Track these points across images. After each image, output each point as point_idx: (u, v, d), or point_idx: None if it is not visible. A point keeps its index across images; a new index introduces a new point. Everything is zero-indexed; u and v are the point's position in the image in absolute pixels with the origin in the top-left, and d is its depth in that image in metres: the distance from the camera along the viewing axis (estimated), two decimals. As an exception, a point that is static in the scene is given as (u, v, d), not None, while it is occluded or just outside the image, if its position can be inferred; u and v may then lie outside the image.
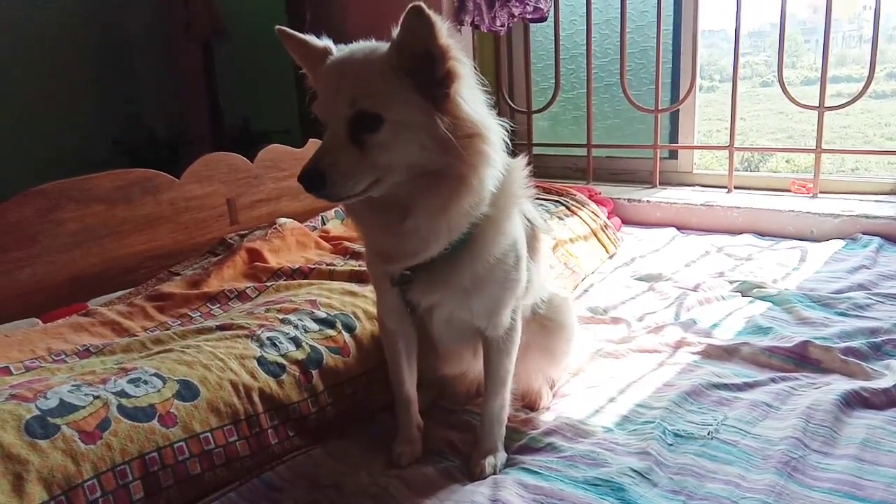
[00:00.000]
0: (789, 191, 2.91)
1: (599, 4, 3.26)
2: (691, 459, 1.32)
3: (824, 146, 2.70)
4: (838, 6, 2.57)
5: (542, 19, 3.10)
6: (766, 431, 1.38)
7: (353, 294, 1.77)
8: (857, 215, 2.49)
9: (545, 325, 1.53)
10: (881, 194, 2.69)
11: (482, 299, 1.29)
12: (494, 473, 1.35)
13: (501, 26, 3.15)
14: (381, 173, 1.10)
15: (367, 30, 3.53)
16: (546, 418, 1.52)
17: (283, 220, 2.22)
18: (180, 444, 1.25)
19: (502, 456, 1.40)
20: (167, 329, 1.66)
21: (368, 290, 1.79)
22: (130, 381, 1.30)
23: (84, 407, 1.21)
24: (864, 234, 2.44)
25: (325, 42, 1.18)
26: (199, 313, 1.76)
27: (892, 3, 3.15)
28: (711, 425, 1.42)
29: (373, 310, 1.71)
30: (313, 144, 2.68)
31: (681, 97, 3.08)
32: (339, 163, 1.07)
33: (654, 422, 1.43)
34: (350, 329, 1.64)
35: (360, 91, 1.07)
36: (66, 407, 1.20)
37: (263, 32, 3.98)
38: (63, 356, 1.52)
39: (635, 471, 1.28)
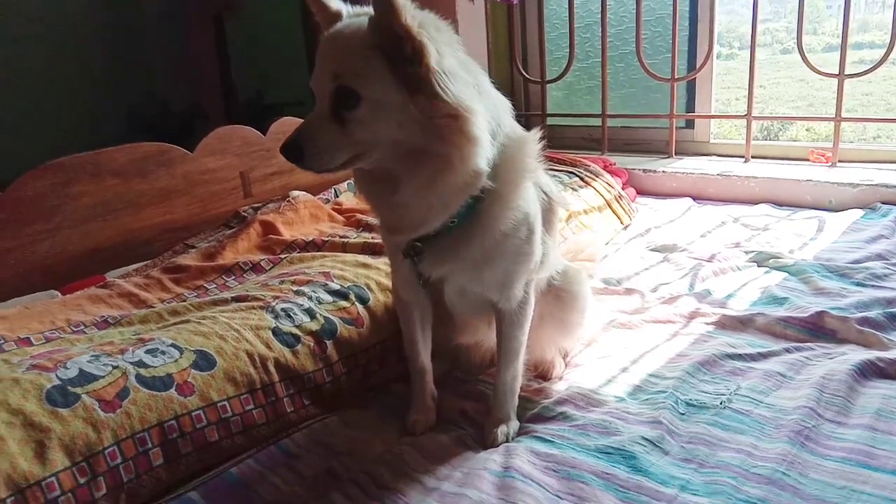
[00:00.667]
0: (808, 160, 2.86)
1: (615, -29, 3.20)
2: (703, 429, 1.32)
3: (845, 114, 2.65)
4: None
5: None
6: (780, 401, 1.38)
7: (366, 266, 1.77)
8: (876, 184, 2.45)
9: (560, 296, 1.53)
10: (903, 163, 2.65)
11: (493, 272, 1.29)
12: (507, 442, 1.37)
13: (515, -6, 3.10)
14: (361, 149, 1.12)
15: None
16: (559, 388, 1.53)
17: (296, 192, 2.22)
18: (198, 412, 1.27)
19: (515, 425, 1.41)
20: (183, 301, 1.69)
21: (382, 262, 1.80)
22: (148, 352, 1.32)
23: (103, 377, 1.23)
24: (883, 203, 2.41)
25: (338, 6, 1.18)
26: (214, 285, 1.78)
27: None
28: (724, 395, 1.42)
29: (386, 281, 1.72)
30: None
31: (698, 65, 3.02)
32: (317, 137, 1.10)
33: (666, 391, 1.44)
34: (363, 300, 1.65)
35: (340, 67, 1.09)
36: (85, 377, 1.22)
37: (274, 4, 3.94)
38: (82, 327, 1.54)
39: (647, 439, 1.29)
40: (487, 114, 1.14)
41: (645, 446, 1.27)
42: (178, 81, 4.40)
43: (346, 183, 2.49)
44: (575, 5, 3.16)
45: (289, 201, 2.14)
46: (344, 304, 1.62)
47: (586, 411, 1.42)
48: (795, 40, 2.69)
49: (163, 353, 1.33)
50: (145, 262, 1.97)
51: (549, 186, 1.39)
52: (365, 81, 1.08)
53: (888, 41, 2.49)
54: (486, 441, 1.38)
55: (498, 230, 1.24)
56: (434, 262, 1.28)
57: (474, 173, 1.14)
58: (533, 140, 1.25)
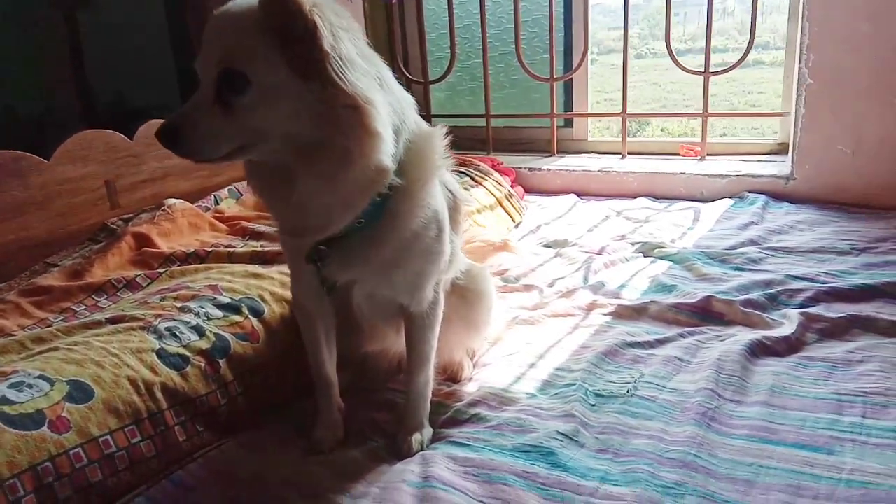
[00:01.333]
0: (678, 154, 3.03)
1: (491, -28, 3.24)
2: (614, 418, 1.34)
3: (697, 111, 2.83)
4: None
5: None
6: (682, 385, 1.42)
7: (257, 276, 1.66)
8: (742, 174, 2.62)
9: (465, 295, 1.50)
10: (763, 154, 2.85)
11: (404, 274, 1.24)
12: (422, 450, 1.32)
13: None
14: (249, 138, 1.04)
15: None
16: (469, 389, 1.50)
17: (171, 200, 2.05)
18: (76, 450, 1.12)
19: (428, 432, 1.36)
20: (48, 326, 1.50)
21: (275, 271, 1.70)
22: (12, 386, 1.16)
23: (-44, 419, 1.06)
24: (749, 192, 2.58)
25: None
26: (83, 307, 1.60)
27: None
28: (629, 383, 1.45)
29: (281, 291, 1.62)
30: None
31: (574, 66, 3.12)
32: (199, 123, 1.01)
33: (574, 384, 1.44)
34: (257, 313, 1.54)
35: (228, 48, 1.00)
36: (-68, 422, 1.04)
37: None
38: (-76, 363, 1.33)
39: (562, 434, 1.28)
40: (390, 108, 1.08)
41: (561, 441, 1.26)
42: (25, 84, 3.99)
43: (226, 189, 2.34)
44: (454, 6, 3.17)
45: (164, 210, 1.97)
46: (236, 318, 1.50)
47: (500, 411, 1.40)
48: (648, 45, 2.84)
49: (29, 386, 1.17)
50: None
51: (453, 184, 1.36)
52: (255, 64, 0.99)
53: (730, 45, 2.67)
54: (400, 451, 1.32)
55: (408, 229, 1.19)
56: (341, 266, 1.20)
57: (378, 169, 1.07)
58: (439, 135, 1.21)
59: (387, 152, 1.06)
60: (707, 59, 2.74)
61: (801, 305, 1.71)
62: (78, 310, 1.58)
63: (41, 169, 1.97)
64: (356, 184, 1.08)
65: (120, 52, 3.83)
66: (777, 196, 2.52)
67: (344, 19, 1.04)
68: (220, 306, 1.51)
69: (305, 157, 1.05)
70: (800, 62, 2.39)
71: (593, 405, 1.38)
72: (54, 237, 2.01)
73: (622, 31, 2.90)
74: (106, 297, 1.63)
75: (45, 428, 1.11)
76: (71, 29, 3.73)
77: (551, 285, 1.99)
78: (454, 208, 1.35)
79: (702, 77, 2.77)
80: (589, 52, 3.02)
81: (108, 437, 1.18)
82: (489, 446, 1.28)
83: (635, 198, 2.75)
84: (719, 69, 2.77)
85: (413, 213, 1.18)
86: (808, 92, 2.40)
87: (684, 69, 2.82)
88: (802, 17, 2.33)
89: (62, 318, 1.55)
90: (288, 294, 1.62)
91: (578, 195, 2.86)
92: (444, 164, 1.22)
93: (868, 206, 2.37)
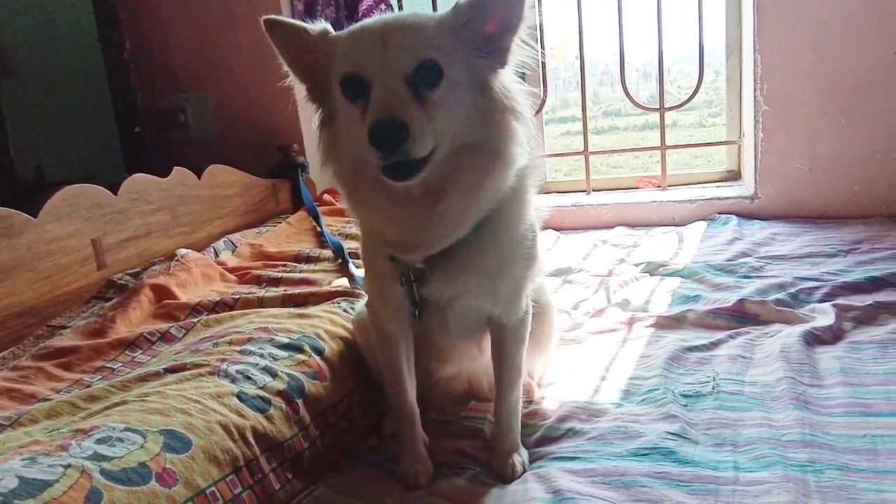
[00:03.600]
0: (636, 187, 3.18)
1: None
2: (713, 413, 1.35)
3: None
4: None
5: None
6: (759, 378, 1.46)
7: (304, 316, 1.58)
8: (709, 198, 2.79)
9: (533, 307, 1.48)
10: (715, 182, 3.05)
11: (507, 281, 1.22)
12: (524, 471, 1.26)
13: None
14: (438, 139, 1.01)
15: (192, 58, 3.26)
16: (550, 407, 1.47)
17: (183, 251, 1.92)
18: (189, 504, 0.99)
19: (525, 452, 1.32)
20: (87, 386, 1.34)
21: (319, 310, 1.61)
22: (100, 442, 1.02)
23: (57, 480, 0.92)
24: (719, 213, 2.74)
25: (321, 25, 1.09)
26: (119, 363, 1.44)
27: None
28: (708, 382, 1.46)
29: (333, 329, 1.54)
30: (178, 172, 2.38)
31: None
32: (412, 118, 0.96)
33: (658, 388, 1.45)
34: (319, 351, 1.46)
35: (421, 42, 1.00)
36: (32, 485, 0.90)
37: (74, 67, 3.45)
38: (-37, 436, 1.14)
39: (673, 433, 1.27)
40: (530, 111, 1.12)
41: (675, 440, 1.25)
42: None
43: (221, 241, 2.21)
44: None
45: (178, 261, 1.84)
46: (301, 356, 1.41)
47: (593, 423, 1.37)
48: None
49: (120, 440, 1.04)
50: (0, 355, 1.54)
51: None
52: (448, 58, 1.01)
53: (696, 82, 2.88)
54: (503, 475, 1.26)
55: (513, 236, 1.18)
56: (445, 280, 1.17)
57: (512, 173, 1.10)
58: (535, 143, 1.23)
59: (524, 156, 1.10)
60: (661, 95, 2.93)
61: (822, 300, 1.81)
62: (114, 367, 1.42)
63: (29, 227, 1.78)
64: (495, 187, 1.09)
65: (44, 124, 3.59)
66: (745, 215, 2.69)
67: None
68: (282, 346, 1.42)
69: (460, 162, 1.05)
70: (755, 91, 2.60)
71: (685, 405, 1.39)
72: (42, 302, 1.81)
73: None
74: (141, 351, 1.48)
75: (153, 482, 0.99)
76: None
77: (576, 308, 2.00)
78: None
79: (668, 110, 2.96)
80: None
81: (214, 488, 1.07)
82: (602, 455, 1.25)
83: (612, 228, 2.84)
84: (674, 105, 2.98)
85: (518, 219, 1.19)
86: (765, 117, 2.61)
87: (641, 106, 3.01)
88: (754, 51, 2.56)
89: (100, 376, 1.39)
90: (340, 331, 1.55)
91: (555, 230, 2.93)
92: (542, 172, 1.23)
93: (829, 217, 2.57)
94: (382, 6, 2.95)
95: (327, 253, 2.12)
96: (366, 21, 1.06)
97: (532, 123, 1.12)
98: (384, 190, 1.06)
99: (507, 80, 1.08)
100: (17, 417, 1.18)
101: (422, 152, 0.98)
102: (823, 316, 1.69)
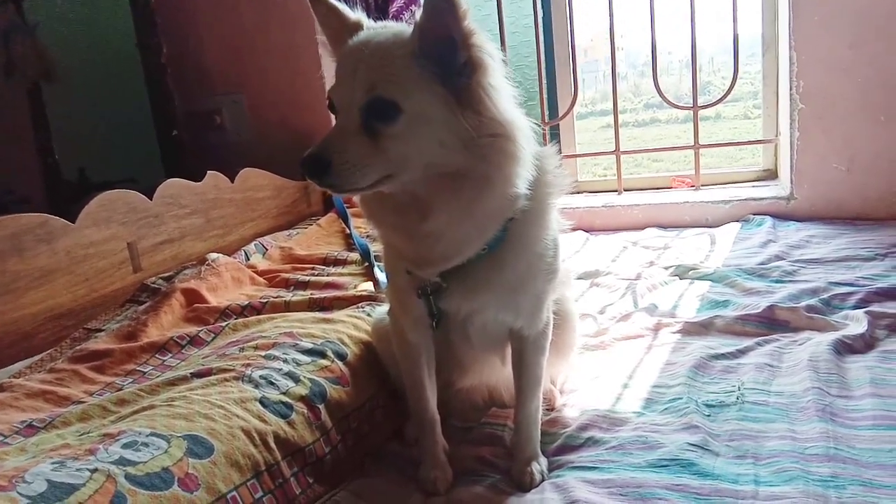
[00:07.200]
0: (670, 187, 3.13)
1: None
2: (736, 425, 1.33)
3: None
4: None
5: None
6: (786, 388, 1.43)
7: (328, 321, 1.60)
8: (744, 199, 2.73)
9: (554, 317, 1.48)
10: (751, 181, 2.99)
11: (527, 296, 1.22)
12: (543, 480, 1.27)
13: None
14: (393, 168, 1.01)
15: (226, 61, 3.31)
16: (571, 415, 1.46)
17: (214, 255, 1.97)
18: (212, 509, 1.02)
19: (544, 460, 1.32)
20: (118, 390, 1.39)
21: (343, 315, 1.64)
22: (126, 446, 1.06)
23: (84, 484, 0.96)
24: (753, 214, 2.68)
25: (357, 16, 1.07)
26: (150, 367, 1.49)
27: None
28: (733, 392, 1.44)
29: (357, 334, 1.56)
30: (211, 176, 2.44)
31: (560, 113, 3.21)
32: (348, 151, 0.98)
33: (681, 398, 1.43)
34: (341, 357, 1.48)
35: (378, 76, 0.99)
36: (61, 489, 0.94)
37: (113, 72, 3.55)
38: (0, 438, 1.20)
39: (694, 445, 1.26)
40: (531, 132, 1.08)
41: (696, 452, 1.24)
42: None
43: (252, 244, 2.26)
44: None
45: (209, 265, 1.88)
46: (324, 362, 1.43)
47: (614, 432, 1.36)
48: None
49: (146, 445, 1.07)
50: (37, 358, 1.61)
51: None
52: (406, 92, 0.99)
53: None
54: (522, 483, 1.26)
55: (533, 252, 1.17)
56: (463, 295, 1.17)
57: (513, 196, 1.07)
58: (554, 155, 1.21)
59: (525, 178, 1.06)
60: (695, 94, 2.88)
61: (856, 307, 1.76)
62: (145, 371, 1.47)
63: (67, 232, 1.85)
64: (492, 211, 1.07)
65: (86, 127, 3.70)
66: (780, 216, 2.63)
67: (486, 39, 1.02)
68: (305, 352, 1.44)
69: (441, 187, 1.03)
70: (791, 89, 2.54)
71: (708, 415, 1.37)
72: (80, 305, 1.88)
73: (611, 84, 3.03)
74: (171, 355, 1.52)
75: (175, 487, 1.02)
76: (34, 104, 3.59)
77: (602, 312, 1.99)
78: None
79: (704, 107, 2.91)
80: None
81: (235, 493, 1.10)
82: (620, 466, 1.24)
83: (643, 229, 2.81)
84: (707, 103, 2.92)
85: (539, 236, 1.18)
86: (801, 115, 2.55)
87: (674, 105, 2.96)
88: (790, 48, 2.50)
89: (131, 380, 1.44)
90: (363, 336, 1.57)
91: (586, 231, 2.91)
92: (565, 184, 1.22)
93: (868, 219, 2.50)
94: (413, 7, 2.96)
95: (354, 256, 2.14)
96: (357, 39, 1.04)
97: (531, 141, 1.07)
98: (382, 203, 1.08)
99: (491, 99, 1.01)
100: (51, 420, 1.24)
101: (352, 185, 1.00)
102: (856, 323, 1.65)
